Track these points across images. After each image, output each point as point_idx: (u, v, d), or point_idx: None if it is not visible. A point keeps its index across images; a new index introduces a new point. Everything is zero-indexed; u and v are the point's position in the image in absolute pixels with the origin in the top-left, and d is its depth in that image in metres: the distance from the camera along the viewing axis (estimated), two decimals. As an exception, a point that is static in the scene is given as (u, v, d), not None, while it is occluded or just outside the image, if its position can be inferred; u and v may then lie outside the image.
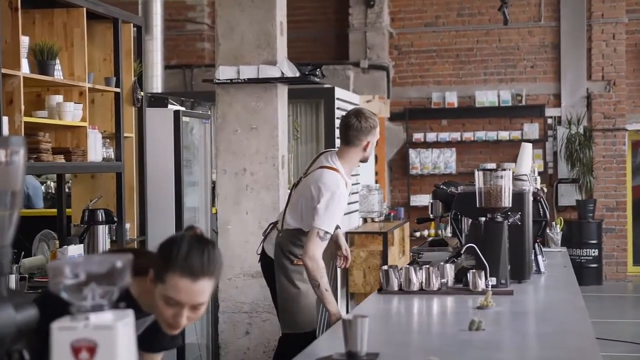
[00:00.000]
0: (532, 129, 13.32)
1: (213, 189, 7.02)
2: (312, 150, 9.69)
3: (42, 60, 4.92)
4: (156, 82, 10.80)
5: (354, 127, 4.86)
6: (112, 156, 5.74)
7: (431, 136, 13.54)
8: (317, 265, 4.69)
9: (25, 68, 4.77)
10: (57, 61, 5.07)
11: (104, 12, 5.62)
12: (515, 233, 4.73)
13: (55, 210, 5.90)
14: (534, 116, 13.41)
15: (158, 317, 2.67)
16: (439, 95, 13.63)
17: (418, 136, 13.59)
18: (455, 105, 13.55)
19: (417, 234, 13.34)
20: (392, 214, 11.06)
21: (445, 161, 13.49)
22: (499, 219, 4.61)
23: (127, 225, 6.01)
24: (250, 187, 6.49)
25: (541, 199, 5.19)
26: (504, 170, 4.63)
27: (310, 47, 14.16)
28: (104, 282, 1.85)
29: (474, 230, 4.67)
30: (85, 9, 5.31)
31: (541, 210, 5.23)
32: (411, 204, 13.50)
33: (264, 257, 5.12)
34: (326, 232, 4.71)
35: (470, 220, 4.78)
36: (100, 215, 5.57)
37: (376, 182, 12.59)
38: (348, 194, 4.93)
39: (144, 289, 2.67)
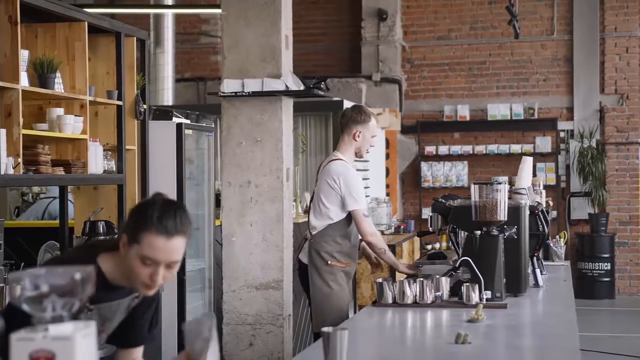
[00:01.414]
0: (544, 143, 13.29)
1: (216, 201, 7.04)
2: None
3: (42, 73, 4.98)
4: (167, 95, 10.87)
5: (346, 116, 5.53)
6: (114, 168, 5.79)
7: (443, 149, 13.53)
8: (378, 237, 5.36)
9: (24, 81, 4.83)
10: (58, 74, 5.12)
11: (107, 27, 5.67)
12: (512, 247, 4.74)
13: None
14: (546, 129, 13.38)
15: (134, 280, 2.75)
16: (451, 108, 13.63)
17: (430, 149, 13.59)
18: (468, 119, 13.55)
19: (429, 246, 13.31)
20: (401, 226, 11.05)
21: (457, 174, 13.48)
22: (495, 232, 4.62)
23: (129, 237, 6.04)
24: (255, 200, 6.50)
25: (539, 213, 5.18)
26: (499, 184, 4.64)
27: (323, 60, 14.21)
28: (65, 294, 1.88)
29: (469, 243, 4.68)
30: (87, 23, 5.37)
31: (540, 224, 5.22)
32: (423, 216, 13.47)
33: (300, 266, 5.57)
34: (365, 209, 5.31)
35: (466, 234, 4.79)
36: (101, 227, 5.62)
37: (387, 194, 12.61)
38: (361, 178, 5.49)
39: (115, 262, 2.78)
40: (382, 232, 10.70)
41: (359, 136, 5.46)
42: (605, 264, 12.88)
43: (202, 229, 7.12)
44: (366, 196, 10.45)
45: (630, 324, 11.34)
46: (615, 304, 12.77)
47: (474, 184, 4.66)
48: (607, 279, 12.92)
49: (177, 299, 6.55)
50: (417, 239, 11.43)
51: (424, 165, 13.59)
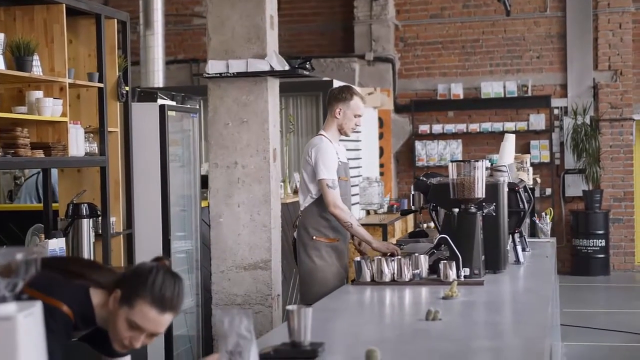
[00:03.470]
0: (538, 120, 13.28)
1: (202, 182, 7.05)
2: (311, 143, 9.69)
3: (19, 56, 4.97)
4: (157, 77, 10.85)
5: (330, 94, 5.71)
6: (97, 151, 5.79)
7: (437, 128, 13.53)
8: (342, 209, 5.35)
9: (0, 64, 4.83)
10: (36, 57, 5.12)
11: (86, 8, 5.66)
12: (490, 224, 4.76)
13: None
14: (540, 107, 13.37)
15: (113, 335, 2.76)
16: (444, 87, 13.62)
17: (424, 128, 13.59)
18: (461, 97, 13.54)
19: (424, 225, 13.33)
20: (394, 205, 11.07)
21: (451, 153, 13.48)
22: (473, 209, 4.64)
23: (113, 219, 6.06)
24: (242, 181, 6.51)
25: (519, 190, 5.19)
26: (477, 161, 4.64)
27: (316, 40, 14.19)
28: (7, 275, 1.89)
29: (447, 221, 4.70)
30: (64, 5, 5.35)
31: (520, 201, 5.23)
32: (417, 195, 13.45)
33: (294, 243, 5.69)
34: (332, 180, 5.36)
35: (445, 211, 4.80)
36: (84, 209, 5.63)
37: (382, 174, 12.62)
38: (337, 153, 5.53)
39: (103, 303, 2.77)
40: (375, 212, 10.72)
41: (339, 113, 5.56)
42: (600, 240, 12.90)
43: (189, 210, 7.13)
44: (358, 175, 10.50)
45: (625, 300, 11.37)
46: (610, 280, 12.80)
47: (451, 161, 4.67)
48: (602, 256, 12.94)
49: (163, 280, 6.55)
50: (410, 218, 11.45)
51: (418, 144, 13.59)
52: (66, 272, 2.82)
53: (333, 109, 5.59)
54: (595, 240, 12.89)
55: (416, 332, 3.27)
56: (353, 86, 6.08)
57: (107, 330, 2.81)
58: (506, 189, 4.92)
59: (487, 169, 5.10)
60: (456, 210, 4.62)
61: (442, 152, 13.54)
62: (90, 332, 2.90)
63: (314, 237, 5.50)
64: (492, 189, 4.76)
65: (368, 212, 10.71)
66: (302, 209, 5.62)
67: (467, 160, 4.66)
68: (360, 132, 10.81)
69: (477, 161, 4.64)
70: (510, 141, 5.82)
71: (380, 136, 12.93)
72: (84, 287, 2.78)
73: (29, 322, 1.88)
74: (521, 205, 5.25)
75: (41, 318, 1.95)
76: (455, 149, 13.50)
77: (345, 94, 5.61)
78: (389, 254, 5.10)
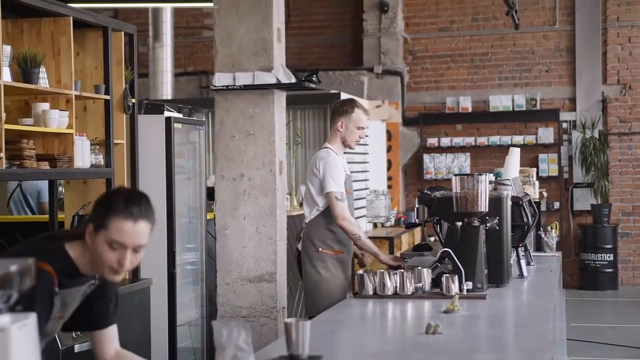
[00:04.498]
0: (546, 134, 13.26)
1: (208, 194, 7.07)
2: (318, 156, 9.70)
3: (25, 68, 5.00)
4: (166, 89, 10.89)
5: (333, 108, 5.81)
6: (102, 162, 5.82)
7: (445, 141, 13.53)
8: (350, 222, 5.41)
9: (6, 76, 4.86)
10: (43, 69, 5.15)
11: (93, 21, 5.70)
12: (494, 238, 4.75)
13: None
14: (548, 120, 13.35)
15: (101, 267, 2.88)
16: (453, 100, 13.62)
17: (432, 141, 13.59)
18: (470, 110, 13.55)
19: (432, 238, 13.31)
20: (402, 219, 11.06)
21: (459, 166, 13.47)
22: (476, 223, 4.63)
23: (119, 231, 6.07)
24: (248, 193, 6.52)
25: (523, 204, 5.18)
26: (480, 175, 4.65)
27: (326, 52, 14.23)
28: (1, 286, 1.90)
29: (450, 234, 4.69)
30: (72, 18, 5.39)
31: (524, 215, 5.23)
32: (426, 208, 13.44)
33: (298, 254, 5.72)
34: (341, 193, 5.42)
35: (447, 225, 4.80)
36: (90, 221, 5.64)
37: (390, 187, 12.62)
38: (342, 164, 5.61)
39: (81, 250, 2.92)
40: (383, 225, 10.72)
41: (342, 126, 5.64)
42: (608, 254, 12.86)
43: (195, 222, 7.15)
44: (365, 188, 10.50)
45: (633, 315, 11.32)
46: (618, 294, 12.75)
47: (455, 175, 4.68)
48: (610, 270, 12.90)
49: (167, 293, 6.57)
50: (418, 231, 11.44)
51: (426, 157, 13.59)
52: (40, 240, 3.02)
53: (336, 122, 5.69)
54: (603, 255, 12.85)
55: (416, 345, 3.28)
56: (356, 98, 6.16)
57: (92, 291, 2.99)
58: (510, 203, 4.91)
59: (491, 182, 5.10)
60: (459, 223, 4.62)
61: (450, 165, 13.54)
62: (71, 319, 3.04)
63: (320, 249, 5.54)
64: (496, 202, 4.76)
65: (375, 225, 10.71)
66: (307, 221, 5.67)
67: (470, 174, 4.66)
68: (367, 144, 10.84)
69: (481, 175, 4.64)
70: (515, 155, 5.82)
71: (389, 149, 12.94)
72: (59, 245, 2.94)
73: (22, 333, 1.89)
74: (525, 219, 5.24)
75: (35, 329, 1.96)
76: (463, 162, 13.49)
77: (347, 107, 5.68)
78: (394, 267, 5.12)
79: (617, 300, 12.47)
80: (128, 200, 2.87)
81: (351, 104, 5.71)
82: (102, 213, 2.86)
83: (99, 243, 2.84)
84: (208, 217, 7.15)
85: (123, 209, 2.83)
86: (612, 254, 12.87)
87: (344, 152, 5.81)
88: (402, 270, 4.61)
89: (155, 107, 6.97)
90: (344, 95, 9.95)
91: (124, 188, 3.06)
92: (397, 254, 9.65)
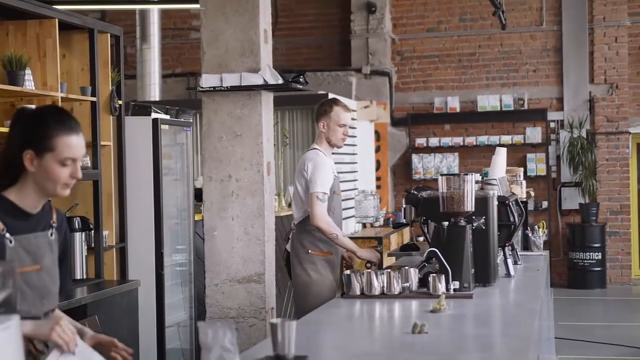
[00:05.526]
0: (534, 133, 13.29)
1: (196, 195, 7.07)
2: (307, 157, 9.71)
3: (11, 70, 5.00)
4: (154, 91, 10.88)
5: (315, 110, 5.85)
6: (89, 164, 5.81)
7: (434, 141, 13.55)
8: (326, 221, 5.42)
9: (-9, 79, 4.86)
10: (28, 71, 5.14)
11: (79, 23, 5.69)
12: (480, 237, 4.76)
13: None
14: (536, 120, 13.39)
15: (52, 187, 2.89)
16: (441, 100, 13.65)
17: (421, 141, 13.61)
18: (458, 110, 13.57)
19: (421, 238, 13.32)
20: (391, 219, 11.08)
21: (448, 166, 13.50)
22: (462, 223, 4.64)
23: (106, 233, 6.08)
24: (236, 194, 6.52)
25: (509, 204, 5.20)
26: (467, 174, 4.66)
27: (314, 53, 14.23)
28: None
29: (437, 234, 4.70)
30: (57, 20, 5.39)
31: (510, 214, 5.24)
32: (414, 209, 13.46)
33: (287, 255, 5.73)
34: (323, 193, 5.44)
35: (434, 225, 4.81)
36: (77, 223, 5.65)
37: (379, 187, 12.63)
38: (330, 166, 5.65)
39: (19, 190, 2.91)
40: (371, 225, 10.73)
41: (324, 127, 5.71)
42: (597, 253, 12.90)
43: (183, 223, 7.15)
44: (354, 189, 10.51)
45: (621, 313, 11.37)
46: (606, 293, 12.80)
47: (441, 175, 4.69)
48: (599, 269, 12.94)
49: (155, 294, 6.57)
50: (407, 231, 11.45)
51: (414, 158, 13.61)
52: None
53: (318, 123, 5.76)
54: (591, 254, 12.89)
55: (402, 345, 3.28)
56: (336, 97, 6.20)
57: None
58: (496, 203, 4.93)
59: (477, 182, 5.11)
60: (446, 223, 4.63)
61: (438, 165, 13.56)
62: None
63: (309, 251, 5.58)
64: (482, 202, 4.77)
65: (364, 225, 10.73)
66: (296, 222, 5.69)
67: (456, 173, 4.67)
68: (356, 145, 10.85)
69: (467, 174, 4.66)
70: (501, 155, 5.84)
71: (377, 149, 12.96)
72: None
73: (5, 335, 1.89)
74: (512, 219, 5.25)
75: (18, 331, 1.96)
76: (451, 162, 13.52)
77: (325, 107, 5.75)
78: (367, 263, 5.24)
79: (605, 299, 12.51)
80: (61, 116, 2.93)
81: (329, 104, 5.77)
82: (42, 135, 2.87)
83: (48, 165, 2.87)
84: (196, 219, 7.15)
85: (63, 126, 2.89)
86: (600, 253, 12.91)
87: (332, 153, 5.82)
88: (376, 263, 4.67)
89: (143, 108, 6.97)
90: (332, 96, 9.97)
91: (47, 107, 3.07)
92: (386, 254, 9.67)
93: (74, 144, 2.90)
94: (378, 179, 12.88)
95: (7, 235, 2.85)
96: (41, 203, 2.97)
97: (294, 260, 5.64)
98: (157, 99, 10.99)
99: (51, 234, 3.02)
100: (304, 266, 5.57)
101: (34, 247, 2.93)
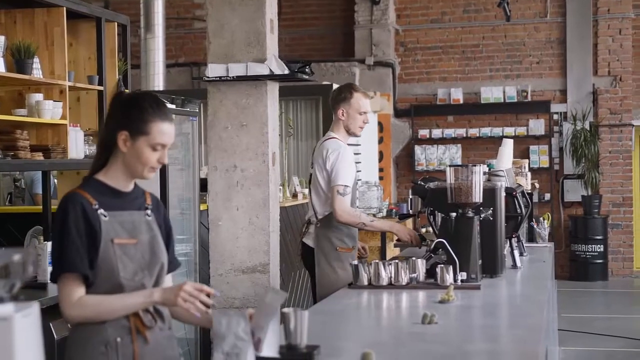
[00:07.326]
0: (537, 125, 13.29)
1: (201, 185, 7.07)
2: (311, 147, 9.74)
3: (19, 59, 4.99)
4: (158, 80, 10.86)
5: (331, 96, 5.65)
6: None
7: (437, 132, 13.55)
8: (350, 214, 5.29)
9: (0, 67, 4.85)
10: (36, 60, 5.14)
11: (86, 12, 5.69)
12: (488, 228, 4.77)
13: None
14: (539, 112, 13.39)
15: (141, 169, 3.04)
16: (444, 91, 13.64)
17: (424, 132, 13.61)
18: (461, 102, 13.57)
19: (424, 229, 13.33)
20: (394, 210, 11.07)
21: (450, 157, 13.50)
22: (470, 214, 4.65)
23: (112, 222, 6.07)
24: (241, 184, 6.51)
25: (517, 195, 5.20)
26: (474, 166, 4.66)
27: (317, 44, 14.22)
28: (4, 275, 1.90)
29: (445, 225, 4.70)
30: (65, 8, 5.38)
31: (517, 206, 5.25)
32: (417, 200, 13.47)
33: (304, 248, 5.61)
34: (345, 187, 5.29)
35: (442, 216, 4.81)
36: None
37: (381, 178, 12.64)
38: (352, 156, 5.51)
39: (111, 171, 3.05)
40: (374, 216, 10.73)
41: (343, 114, 5.52)
42: (599, 245, 12.91)
43: (188, 213, 7.15)
44: (358, 180, 10.51)
45: (623, 305, 11.39)
46: (608, 285, 12.82)
47: (449, 166, 4.69)
48: (601, 261, 12.96)
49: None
50: (411, 222, 11.45)
51: (417, 149, 13.61)
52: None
53: (336, 110, 5.55)
54: (594, 246, 12.91)
55: (412, 335, 3.29)
56: (354, 83, 6.04)
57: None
58: (503, 194, 4.93)
59: (484, 173, 5.11)
60: (453, 214, 4.63)
61: (441, 156, 13.56)
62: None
63: (338, 248, 5.44)
64: (490, 193, 4.77)
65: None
66: (320, 216, 5.50)
67: (464, 164, 4.67)
68: (359, 136, 10.84)
69: (475, 166, 4.65)
70: (508, 146, 5.84)
71: (380, 140, 12.96)
72: (86, 178, 3.08)
73: (26, 322, 1.89)
74: (519, 210, 5.26)
75: (38, 318, 1.97)
76: (454, 153, 13.52)
77: (345, 93, 5.55)
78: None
79: (607, 291, 12.53)
80: (158, 103, 3.03)
81: (349, 89, 5.57)
82: (138, 120, 2.98)
83: (140, 147, 2.99)
84: (201, 209, 7.15)
85: (159, 113, 3.01)
86: (602, 245, 12.92)
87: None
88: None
89: (149, 98, 6.94)
90: (336, 87, 9.97)
91: (141, 92, 3.16)
92: (391, 244, 9.68)
93: (167, 131, 3.02)
94: (381, 170, 12.88)
95: (101, 210, 2.97)
96: (130, 183, 3.09)
97: (320, 256, 5.47)
98: (161, 88, 10.97)
99: (148, 215, 3.13)
100: (331, 264, 5.43)
101: (129, 224, 3.05)
